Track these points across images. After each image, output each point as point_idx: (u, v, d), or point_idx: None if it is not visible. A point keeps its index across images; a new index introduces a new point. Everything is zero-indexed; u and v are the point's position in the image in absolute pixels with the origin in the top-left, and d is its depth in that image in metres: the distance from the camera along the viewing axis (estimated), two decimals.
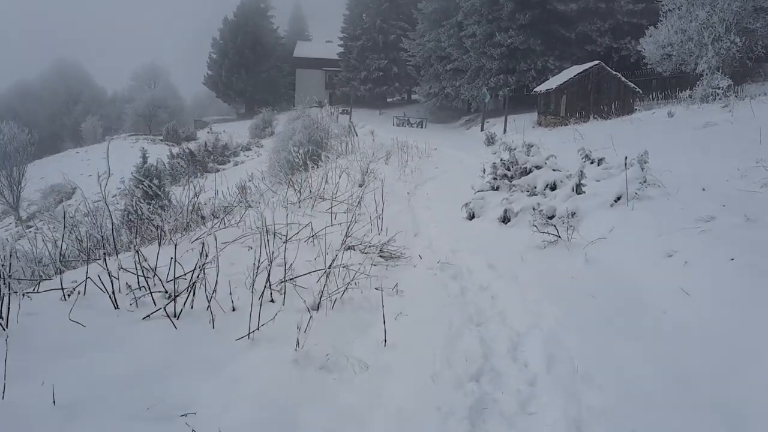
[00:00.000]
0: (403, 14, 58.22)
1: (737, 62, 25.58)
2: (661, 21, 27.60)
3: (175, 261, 4.53)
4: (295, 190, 9.79)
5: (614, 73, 28.40)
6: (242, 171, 23.96)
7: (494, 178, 10.27)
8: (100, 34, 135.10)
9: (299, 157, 17.31)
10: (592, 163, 9.70)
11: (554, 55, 37.11)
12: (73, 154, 56.51)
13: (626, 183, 6.89)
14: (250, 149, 39.32)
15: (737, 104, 15.34)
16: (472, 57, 39.12)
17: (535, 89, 32.40)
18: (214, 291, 4.40)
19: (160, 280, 4.58)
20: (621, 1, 34.44)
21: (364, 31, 60.13)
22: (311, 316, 4.23)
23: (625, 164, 7.14)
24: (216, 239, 4.98)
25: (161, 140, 52.51)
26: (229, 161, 35.77)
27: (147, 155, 13.42)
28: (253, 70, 67.69)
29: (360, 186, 11.42)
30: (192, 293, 4.43)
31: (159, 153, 36.08)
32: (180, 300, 4.35)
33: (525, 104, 36.31)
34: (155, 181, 13.09)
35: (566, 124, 25.66)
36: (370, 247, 6.61)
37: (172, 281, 4.47)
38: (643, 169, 7.82)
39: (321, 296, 4.90)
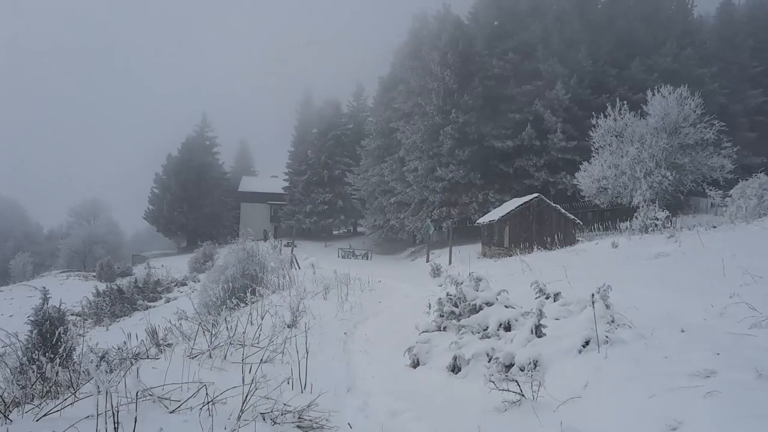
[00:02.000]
0: (347, 150, 59.84)
1: (669, 195, 26.41)
2: (593, 156, 28.75)
3: None
4: (210, 334, 8.28)
5: (554, 205, 28.85)
6: (173, 308, 22.03)
7: (440, 316, 9.10)
8: (42, 173, 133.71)
9: (224, 294, 15.77)
10: (547, 298, 8.71)
11: (494, 189, 38.01)
12: None
13: (595, 324, 5.82)
14: (186, 284, 37.20)
15: (682, 235, 15.10)
16: (415, 190, 39.63)
17: (478, 221, 32.53)
18: None
19: None
20: (554, 139, 36.13)
21: (309, 167, 61.18)
22: None
23: (593, 301, 6.12)
24: None
25: (94, 276, 49.92)
26: (161, 298, 33.45)
27: (48, 295, 11.70)
28: (196, 204, 66.98)
29: (289, 327, 9.98)
30: None
31: (87, 290, 33.54)
32: None
33: (469, 235, 36.33)
34: (50, 326, 11.19)
35: (511, 255, 25.31)
36: (284, 414, 5.13)
37: None
38: (607, 306, 6.84)
39: None
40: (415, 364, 7.70)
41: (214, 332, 8.43)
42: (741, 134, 36.27)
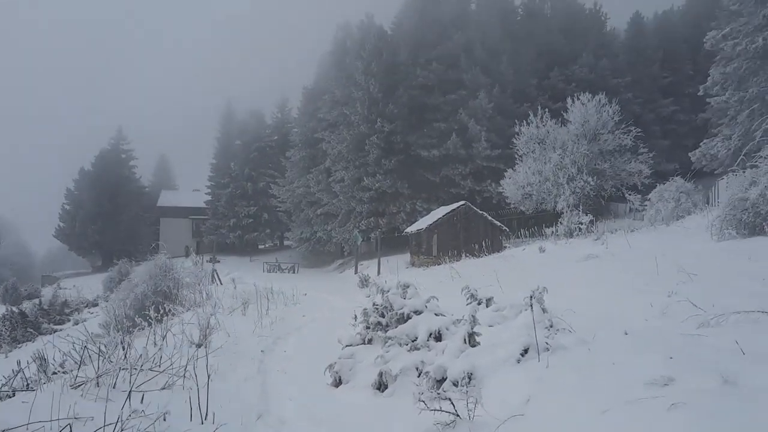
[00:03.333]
0: (271, 162, 58.35)
1: (591, 200, 26.93)
2: (517, 164, 29.00)
3: None
4: (102, 358, 7.13)
5: (480, 212, 28.83)
6: (82, 330, 20.26)
7: (366, 328, 8.32)
8: None
9: (131, 313, 14.48)
10: (479, 304, 8.13)
11: (422, 198, 37.82)
12: None
13: (534, 329, 5.21)
14: (97, 305, 34.70)
15: (608, 237, 15.09)
16: (342, 201, 38.85)
17: (406, 230, 32.13)
18: None
19: None
20: (479, 148, 36.37)
21: (232, 179, 59.19)
22: None
23: (530, 305, 5.53)
24: None
25: None
26: (69, 320, 30.97)
27: None
28: (111, 221, 63.34)
29: (198, 346, 8.91)
30: None
31: None
32: None
33: (397, 246, 35.87)
34: None
35: (440, 263, 24.96)
36: None
37: None
38: (544, 310, 6.29)
39: None
40: (338, 383, 6.86)
41: (107, 356, 7.31)
42: (655, 142, 37.83)
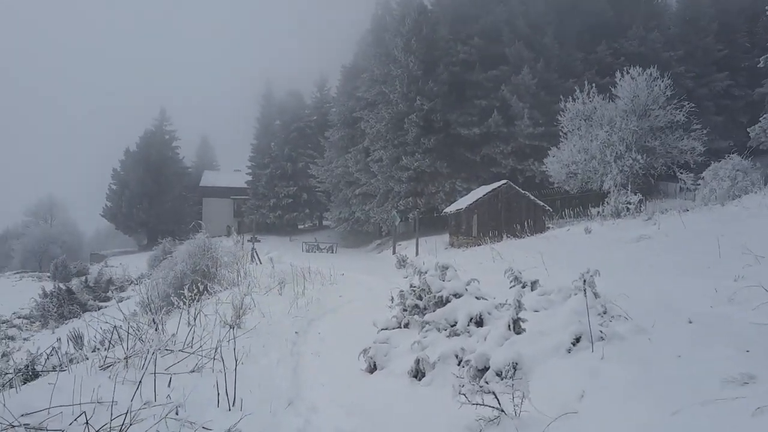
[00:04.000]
0: (311, 142, 58.31)
1: (640, 179, 25.81)
2: (562, 142, 27.99)
3: None
4: (132, 338, 6.97)
5: (523, 192, 28.04)
6: (126, 307, 20.67)
7: (403, 311, 7.94)
8: None
9: (170, 292, 14.52)
10: (524, 287, 7.65)
11: (461, 177, 37.10)
12: None
13: (588, 316, 4.73)
14: (140, 283, 35.46)
15: (660, 218, 14.27)
16: (380, 181, 38.47)
17: (445, 210, 31.58)
18: None
19: None
20: (521, 125, 35.35)
21: (272, 160, 59.43)
22: None
23: (583, 288, 5.03)
24: None
25: (48, 277, 47.75)
26: (113, 297, 31.76)
27: None
28: (156, 201, 64.68)
29: (231, 327, 8.71)
30: None
31: (37, 292, 31.72)
32: None
33: (436, 226, 35.36)
34: None
35: (479, 244, 24.40)
36: None
37: None
38: (596, 294, 5.78)
39: None
40: (372, 369, 6.52)
41: (138, 336, 7.15)
42: (708, 118, 35.97)
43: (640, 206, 22.28)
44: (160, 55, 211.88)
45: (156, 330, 7.68)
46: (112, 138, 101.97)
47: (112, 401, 4.84)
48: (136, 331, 7.37)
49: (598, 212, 23.87)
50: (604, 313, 5.37)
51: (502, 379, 4.80)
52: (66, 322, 24.96)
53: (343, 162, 44.22)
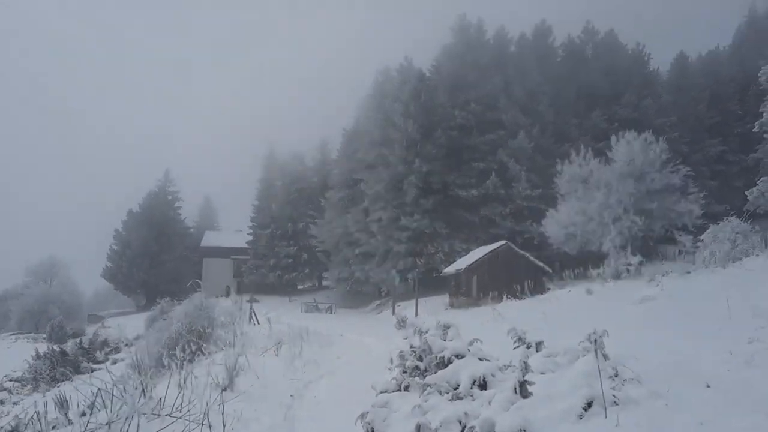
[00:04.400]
0: (311, 203, 58.62)
1: (639, 241, 25.75)
2: (559, 204, 28.12)
3: None
4: (117, 402, 6.64)
5: (522, 252, 27.91)
6: (118, 370, 20.12)
7: (403, 372, 7.64)
8: None
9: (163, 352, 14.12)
10: (528, 348, 7.39)
11: (460, 238, 37.06)
12: None
13: (599, 379, 4.49)
14: (136, 344, 34.71)
15: (662, 279, 14.08)
16: (379, 241, 38.40)
17: (444, 270, 31.33)
18: None
19: None
20: (519, 188, 35.64)
21: (273, 220, 59.61)
22: None
23: (594, 348, 4.81)
24: None
25: (44, 339, 46.84)
26: (108, 359, 30.99)
27: None
28: (156, 261, 64.43)
29: (224, 390, 8.37)
30: None
31: (30, 353, 30.97)
32: None
33: (436, 287, 34.99)
34: None
35: (479, 305, 24.05)
36: None
37: None
38: (606, 356, 5.55)
39: None
40: None
41: (124, 401, 6.82)
42: (703, 182, 36.31)
43: (640, 268, 22.11)
44: (165, 117, 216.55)
45: (143, 393, 7.36)
46: (115, 199, 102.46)
47: None
48: (122, 395, 7.06)
49: (598, 273, 23.67)
50: (616, 375, 5.13)
51: None
52: (58, 385, 24.25)
53: (343, 222, 44.30)
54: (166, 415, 6.53)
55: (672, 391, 4.68)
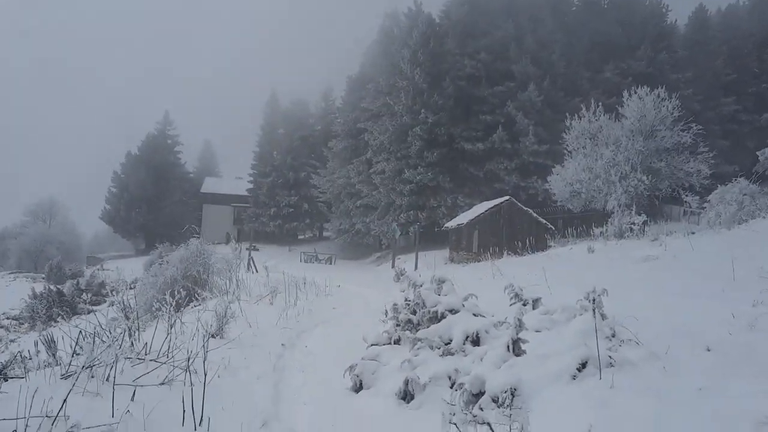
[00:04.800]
0: (314, 152, 58.01)
1: (645, 200, 25.37)
2: (566, 160, 27.58)
3: None
4: (97, 344, 6.49)
5: (525, 209, 27.57)
6: (113, 312, 20.24)
7: (396, 326, 7.47)
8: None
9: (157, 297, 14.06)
10: (524, 305, 7.18)
11: (464, 192, 36.68)
12: None
13: (596, 339, 4.26)
14: (133, 287, 34.95)
15: (666, 239, 13.80)
16: (381, 193, 38.07)
17: (446, 225, 31.11)
18: None
19: None
20: (526, 142, 35.00)
21: (274, 168, 59.07)
22: None
23: (592, 308, 4.56)
24: None
25: (43, 278, 47.27)
26: (105, 300, 31.23)
27: None
28: (155, 205, 64.30)
29: (213, 337, 8.25)
30: None
31: (27, 293, 31.25)
32: None
33: (436, 241, 34.89)
34: None
35: (480, 260, 23.89)
36: None
37: None
38: (603, 315, 5.31)
39: None
40: (358, 388, 6.03)
41: (109, 344, 6.66)
42: (714, 142, 35.57)
43: (644, 227, 21.81)
44: (165, 59, 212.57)
45: (130, 337, 7.22)
46: (116, 141, 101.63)
47: (63, 416, 4.37)
48: (109, 338, 6.91)
49: (601, 232, 23.36)
50: (613, 336, 4.90)
51: (498, 407, 4.33)
52: (54, 325, 24.46)
53: (346, 173, 43.87)
54: (150, 360, 6.39)
55: (671, 354, 4.47)
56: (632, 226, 21.31)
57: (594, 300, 5.33)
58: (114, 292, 33.34)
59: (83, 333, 6.54)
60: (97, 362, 5.69)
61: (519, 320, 4.95)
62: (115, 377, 5.58)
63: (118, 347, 6.17)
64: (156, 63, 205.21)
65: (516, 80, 37.43)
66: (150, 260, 47.40)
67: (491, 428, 3.49)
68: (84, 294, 31.62)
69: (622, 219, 22.09)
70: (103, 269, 48.84)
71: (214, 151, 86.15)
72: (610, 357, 4.31)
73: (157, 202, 64.44)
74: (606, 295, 5.41)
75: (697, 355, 4.38)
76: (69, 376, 5.57)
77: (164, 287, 16.00)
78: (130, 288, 35.09)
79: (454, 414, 3.53)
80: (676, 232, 18.77)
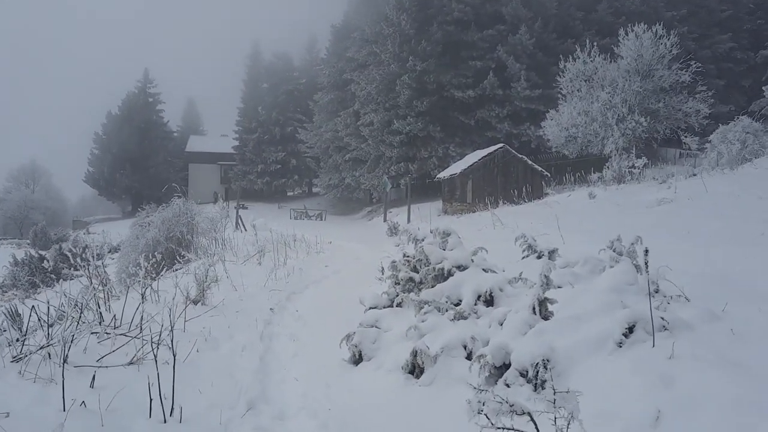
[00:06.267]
0: (299, 106, 56.34)
1: (643, 143, 24.60)
2: (561, 104, 26.62)
3: None
4: (67, 321, 5.71)
5: (520, 156, 26.73)
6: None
7: (396, 284, 6.71)
8: None
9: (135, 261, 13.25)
10: (539, 257, 6.46)
11: (455, 142, 35.65)
12: None
13: (650, 297, 3.50)
14: (119, 250, 34.07)
15: (673, 181, 13.08)
16: (370, 145, 36.96)
17: (438, 176, 30.27)
18: None
19: None
20: (518, 88, 33.84)
21: (259, 124, 57.44)
22: None
23: (633, 257, 3.79)
24: None
25: (28, 244, 46.33)
26: (89, 265, 30.33)
27: None
28: (140, 166, 62.64)
29: (194, 303, 7.48)
30: None
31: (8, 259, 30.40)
32: None
33: (428, 193, 34.12)
34: None
35: (474, 211, 23.22)
36: None
37: None
38: (639, 268, 4.58)
39: None
40: (357, 360, 5.31)
41: (74, 318, 5.88)
42: (710, 81, 34.52)
43: (644, 171, 21.14)
44: (144, 16, 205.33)
45: (99, 308, 6.43)
46: (96, 102, 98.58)
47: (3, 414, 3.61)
48: (73, 310, 6.12)
49: (599, 177, 22.68)
50: (656, 292, 4.15)
51: (528, 382, 3.61)
52: (39, 291, 23.72)
53: (333, 126, 42.56)
54: (119, 334, 5.63)
55: (730, 312, 3.73)
56: (632, 169, 20.61)
57: (631, 250, 4.58)
58: (93, 257, 32.62)
59: (33, 308, 5.73)
60: (51, 342, 4.91)
61: (546, 276, 4.19)
62: (71, 358, 4.81)
63: (81, 322, 5.40)
64: (134, 19, 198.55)
65: (506, 23, 35.94)
66: (136, 222, 46.31)
67: (533, 420, 2.74)
68: (69, 259, 30.83)
69: (621, 162, 21.35)
70: (90, 233, 47.81)
71: (199, 110, 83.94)
72: (662, 318, 3.56)
73: (141, 162, 62.80)
74: (641, 243, 4.67)
75: (763, 312, 3.65)
76: (20, 358, 4.80)
77: (146, 249, 15.17)
78: (117, 251, 34.30)
79: (483, 402, 2.77)
80: (677, 175, 18.10)
